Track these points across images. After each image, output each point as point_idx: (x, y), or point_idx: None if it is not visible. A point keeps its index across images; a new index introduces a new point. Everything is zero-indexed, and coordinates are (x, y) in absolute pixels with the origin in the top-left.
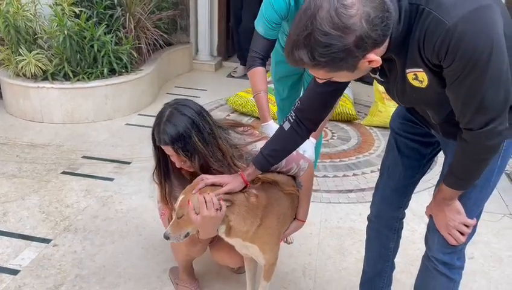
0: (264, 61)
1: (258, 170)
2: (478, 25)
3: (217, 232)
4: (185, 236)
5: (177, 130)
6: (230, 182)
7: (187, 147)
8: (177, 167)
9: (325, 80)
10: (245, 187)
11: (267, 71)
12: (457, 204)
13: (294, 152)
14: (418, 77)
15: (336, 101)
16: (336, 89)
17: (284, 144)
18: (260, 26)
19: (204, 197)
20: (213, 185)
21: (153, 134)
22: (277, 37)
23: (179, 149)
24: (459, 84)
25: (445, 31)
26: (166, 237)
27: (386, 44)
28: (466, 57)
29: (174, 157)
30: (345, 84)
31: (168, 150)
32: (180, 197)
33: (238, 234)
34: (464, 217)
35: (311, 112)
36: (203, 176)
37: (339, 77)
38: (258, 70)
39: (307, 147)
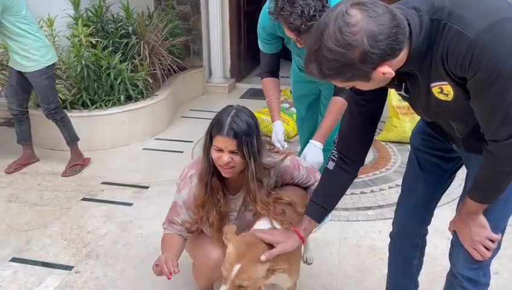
0: (272, 74)
1: (316, 221)
2: (500, 37)
3: None
4: None
5: (246, 126)
6: (285, 241)
7: (249, 145)
8: (222, 162)
9: (349, 87)
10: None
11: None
12: (482, 218)
13: (309, 165)
14: (444, 90)
15: (374, 126)
16: (370, 112)
17: (335, 185)
18: (259, 43)
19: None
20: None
21: (212, 127)
22: (277, 52)
23: (244, 144)
24: (483, 95)
25: (468, 44)
26: None
27: (402, 57)
28: (489, 68)
29: (224, 152)
30: (379, 109)
31: (231, 143)
32: (238, 267)
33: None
34: (489, 231)
35: (352, 143)
36: (259, 234)
37: (357, 85)
38: (265, 81)
39: (307, 151)
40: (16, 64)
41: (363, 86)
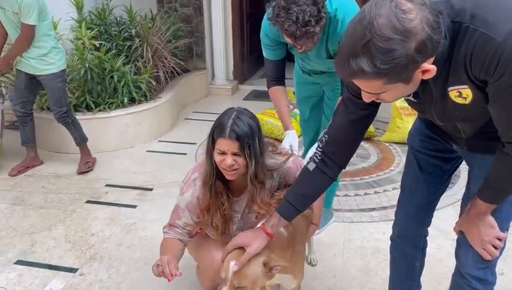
0: (277, 82)
1: (285, 219)
2: None
3: None
4: None
5: (248, 127)
6: (251, 243)
7: (251, 146)
8: (226, 165)
9: (373, 97)
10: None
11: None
12: (491, 218)
13: (304, 162)
14: (462, 94)
15: (365, 130)
16: (368, 116)
17: (312, 187)
18: (264, 50)
19: None
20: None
21: (214, 130)
22: (281, 58)
23: (246, 146)
24: (506, 98)
25: (496, 47)
26: None
27: (433, 59)
28: None
29: (228, 155)
30: (374, 111)
31: (233, 145)
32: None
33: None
34: (498, 231)
35: (342, 146)
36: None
37: (393, 90)
38: (273, 89)
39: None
40: (28, 68)
41: (398, 90)
